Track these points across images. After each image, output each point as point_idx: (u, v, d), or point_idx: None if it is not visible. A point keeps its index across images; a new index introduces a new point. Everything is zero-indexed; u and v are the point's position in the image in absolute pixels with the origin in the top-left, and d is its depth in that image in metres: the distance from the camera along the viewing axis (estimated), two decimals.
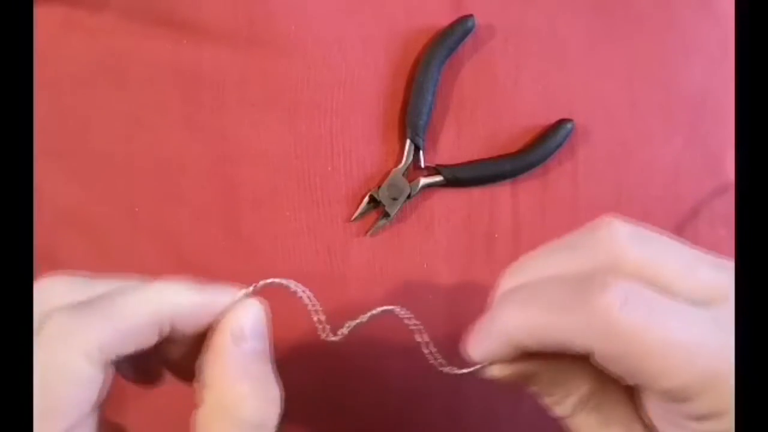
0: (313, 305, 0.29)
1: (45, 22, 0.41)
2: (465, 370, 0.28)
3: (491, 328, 0.25)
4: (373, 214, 0.41)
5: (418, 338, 0.29)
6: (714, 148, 0.43)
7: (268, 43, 0.41)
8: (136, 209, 0.41)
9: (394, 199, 0.41)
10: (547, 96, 0.42)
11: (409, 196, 0.41)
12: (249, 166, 0.41)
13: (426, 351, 0.29)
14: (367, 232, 0.41)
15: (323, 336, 0.29)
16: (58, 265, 0.41)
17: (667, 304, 0.22)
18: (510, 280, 0.26)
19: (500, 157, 0.42)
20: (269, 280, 0.28)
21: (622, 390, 0.25)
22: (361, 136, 0.42)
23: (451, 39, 0.41)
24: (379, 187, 0.41)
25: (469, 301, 0.41)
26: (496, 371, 0.26)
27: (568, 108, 0.42)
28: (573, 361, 0.24)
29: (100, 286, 0.26)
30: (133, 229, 0.41)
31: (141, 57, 0.41)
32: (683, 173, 0.43)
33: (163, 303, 0.25)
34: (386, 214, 0.41)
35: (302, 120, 0.41)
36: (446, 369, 0.29)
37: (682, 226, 0.43)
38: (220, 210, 0.41)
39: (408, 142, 0.41)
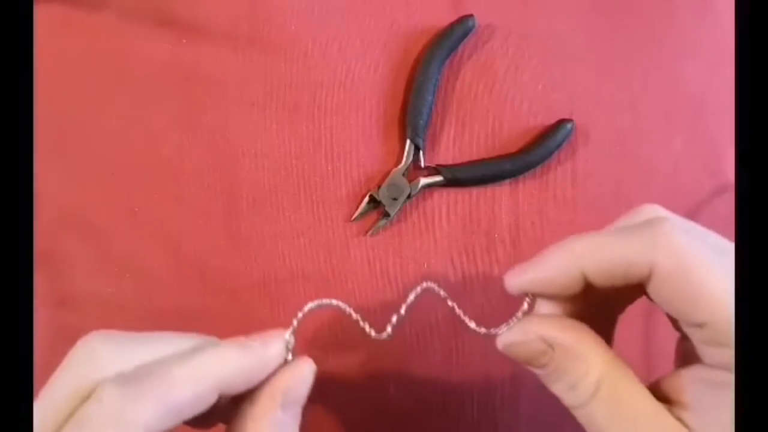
0: (350, 312, 0.29)
1: (45, 22, 0.41)
2: (503, 328, 0.27)
3: (557, 251, 0.26)
4: (373, 214, 0.41)
5: (457, 309, 0.29)
6: (714, 148, 0.43)
7: (268, 43, 0.41)
8: (136, 209, 0.41)
9: (394, 199, 0.41)
10: (547, 96, 0.42)
11: (409, 196, 0.41)
12: (249, 166, 0.41)
13: (465, 320, 0.29)
14: (367, 232, 0.41)
15: (374, 335, 0.29)
16: (58, 265, 0.41)
17: (709, 233, 0.24)
18: (552, 258, 0.27)
19: (500, 157, 0.42)
20: (308, 308, 0.28)
21: (633, 378, 0.25)
22: (361, 136, 0.42)
23: (451, 39, 0.41)
24: (379, 187, 0.41)
25: (470, 301, 0.41)
26: (545, 308, 0.27)
27: (568, 108, 0.42)
28: (589, 341, 0.26)
29: (148, 348, 0.25)
30: (133, 229, 0.41)
31: (141, 57, 0.42)
32: (683, 173, 0.43)
33: (213, 375, 0.24)
34: (386, 214, 0.41)
35: (302, 120, 0.41)
36: (486, 330, 0.28)
37: None
38: (220, 210, 0.41)
39: (408, 142, 0.41)
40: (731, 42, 0.43)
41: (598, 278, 0.25)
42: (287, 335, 0.27)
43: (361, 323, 0.28)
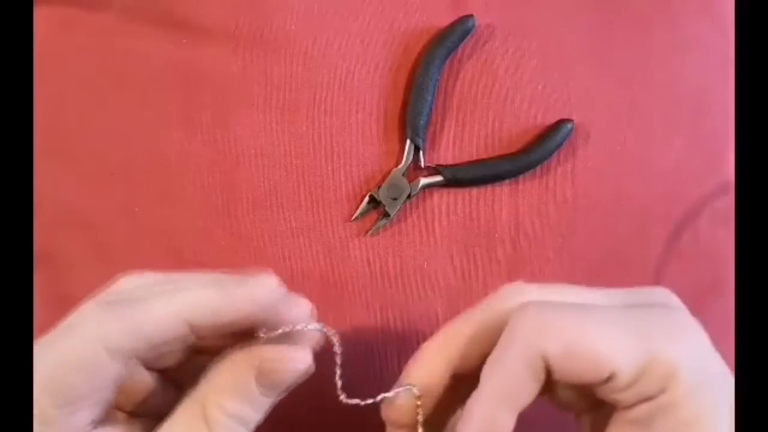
0: (339, 355, 0.28)
1: (45, 22, 0.41)
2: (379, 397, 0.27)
3: (429, 350, 0.27)
4: (373, 214, 0.41)
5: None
6: (714, 148, 0.43)
7: (268, 43, 0.41)
8: (136, 209, 0.41)
9: (394, 199, 0.41)
10: (547, 96, 0.42)
11: (409, 196, 0.41)
12: (249, 166, 0.41)
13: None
14: (367, 232, 0.41)
15: (340, 396, 0.27)
16: (58, 265, 0.41)
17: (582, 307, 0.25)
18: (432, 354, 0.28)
19: (500, 157, 0.42)
20: (302, 327, 0.27)
21: None
22: (361, 136, 0.42)
23: (451, 39, 0.41)
24: (379, 187, 0.41)
25: (470, 301, 0.41)
26: None
27: (568, 108, 0.42)
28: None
29: (165, 283, 0.27)
30: (133, 229, 0.41)
31: (141, 57, 0.41)
32: (683, 173, 0.43)
33: (180, 303, 0.25)
34: (386, 214, 0.41)
35: (302, 120, 0.41)
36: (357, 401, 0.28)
37: (682, 227, 0.43)
38: (219, 210, 0.41)
39: (408, 142, 0.41)
40: (731, 42, 0.43)
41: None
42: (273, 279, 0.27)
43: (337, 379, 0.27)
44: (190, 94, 0.41)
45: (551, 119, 0.42)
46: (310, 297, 0.29)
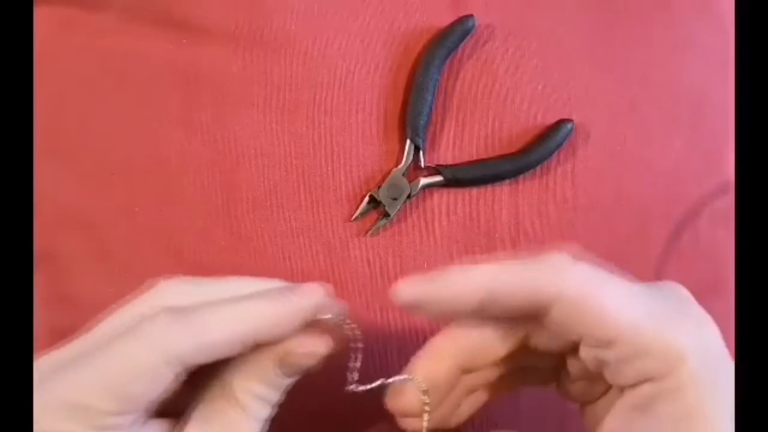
0: (355, 347, 0.29)
1: (45, 22, 0.41)
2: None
3: (458, 270, 0.26)
4: (373, 214, 0.41)
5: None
6: (714, 148, 0.43)
7: (268, 43, 0.41)
8: (136, 209, 0.41)
9: (394, 199, 0.41)
10: (547, 96, 0.42)
11: (409, 196, 0.41)
12: (249, 166, 0.41)
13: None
14: (367, 232, 0.41)
15: (350, 386, 0.29)
16: (58, 265, 0.41)
17: (606, 272, 0.25)
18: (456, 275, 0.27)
19: (500, 157, 0.42)
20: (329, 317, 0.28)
21: None
22: (361, 136, 0.42)
23: (451, 39, 0.41)
24: (379, 187, 0.41)
25: None
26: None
27: (568, 108, 0.42)
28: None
29: (208, 290, 0.28)
30: (133, 229, 0.41)
31: (141, 57, 0.41)
32: (683, 173, 0.43)
33: (246, 322, 0.26)
34: (386, 214, 0.41)
35: (302, 120, 0.41)
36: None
37: (682, 226, 0.43)
38: (219, 210, 0.41)
39: (408, 142, 0.41)
40: (731, 42, 0.43)
41: (498, 302, 0.26)
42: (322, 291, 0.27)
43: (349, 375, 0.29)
44: (190, 94, 0.41)
45: (551, 119, 0.42)
46: None
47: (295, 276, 0.41)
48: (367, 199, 0.41)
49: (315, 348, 0.27)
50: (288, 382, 0.28)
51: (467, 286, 0.26)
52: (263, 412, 0.27)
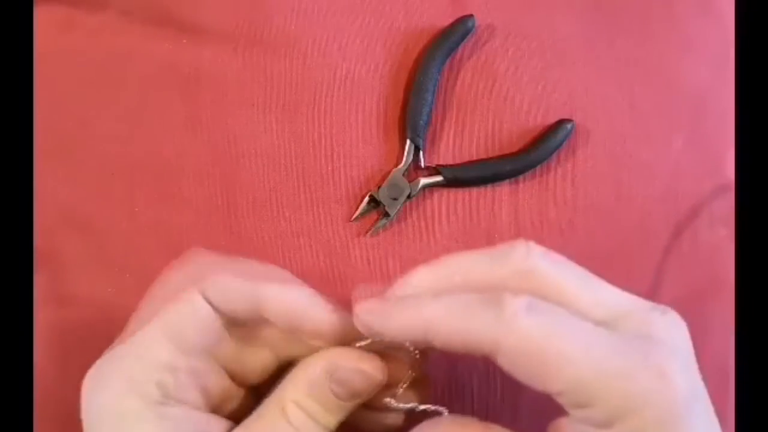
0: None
1: (45, 22, 0.41)
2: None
3: (407, 309, 0.26)
4: (373, 214, 0.41)
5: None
6: (714, 148, 0.43)
7: (268, 43, 0.41)
8: (136, 209, 0.41)
9: (394, 199, 0.41)
10: (547, 96, 0.42)
11: (409, 196, 0.41)
12: (249, 166, 0.41)
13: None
14: (367, 232, 0.41)
15: (387, 399, 0.29)
16: (58, 265, 0.41)
17: (568, 315, 0.24)
18: (424, 273, 0.27)
19: (500, 157, 0.42)
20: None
21: None
22: (361, 136, 0.42)
23: (451, 39, 0.41)
24: (379, 187, 0.41)
25: None
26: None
27: (568, 108, 0.42)
28: None
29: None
30: (133, 229, 0.41)
31: (141, 57, 0.41)
32: (683, 173, 0.43)
33: (287, 290, 0.27)
34: (386, 214, 0.41)
35: (302, 120, 0.41)
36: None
37: (682, 226, 0.43)
38: (220, 210, 0.41)
39: (408, 142, 0.41)
40: (732, 42, 0.43)
41: (441, 346, 0.25)
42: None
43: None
44: (190, 94, 0.41)
45: (551, 119, 0.42)
46: None
47: (295, 276, 0.41)
48: (367, 199, 0.41)
49: (362, 365, 0.27)
50: (344, 406, 0.27)
51: (407, 322, 0.25)
52: (311, 429, 0.27)
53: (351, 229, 0.41)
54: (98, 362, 0.27)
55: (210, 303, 0.27)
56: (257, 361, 0.29)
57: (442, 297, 0.25)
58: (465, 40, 0.42)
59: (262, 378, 0.30)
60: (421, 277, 0.27)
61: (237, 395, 0.29)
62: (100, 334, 0.41)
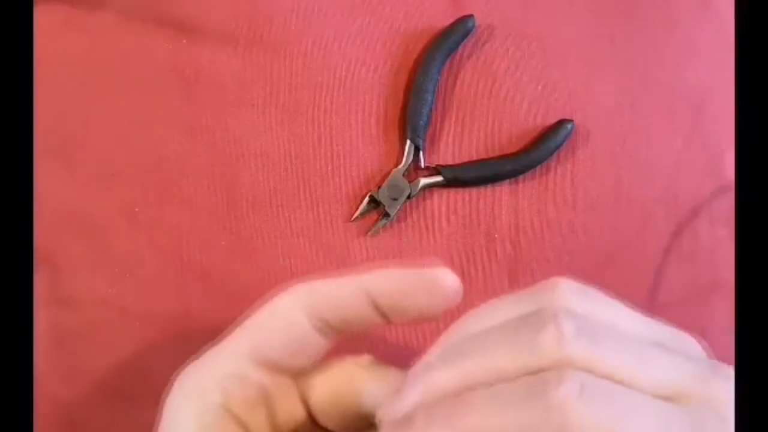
0: None
1: (45, 22, 0.41)
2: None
3: (446, 418, 0.20)
4: (373, 215, 0.41)
5: None
6: (714, 148, 0.43)
7: (269, 44, 0.41)
8: (136, 209, 0.41)
9: (394, 199, 0.41)
10: (547, 96, 0.42)
11: (409, 197, 0.41)
12: (249, 166, 0.41)
13: None
14: (367, 232, 0.41)
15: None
16: (58, 266, 0.41)
17: (627, 394, 0.19)
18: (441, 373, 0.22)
19: (500, 157, 0.42)
20: None
21: None
22: (361, 136, 0.42)
23: (451, 39, 0.41)
24: (379, 187, 0.41)
25: (470, 301, 0.41)
26: None
27: (568, 108, 0.42)
28: None
29: None
30: (133, 229, 0.41)
31: (141, 57, 0.41)
32: (683, 173, 0.43)
33: (369, 285, 0.26)
34: (386, 215, 0.41)
35: (302, 120, 0.41)
36: None
37: (682, 226, 0.43)
38: (220, 210, 0.41)
39: (408, 142, 0.41)
40: (731, 42, 0.43)
41: None
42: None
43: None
44: (190, 94, 0.41)
45: (551, 119, 0.42)
46: None
47: (295, 276, 0.41)
48: (367, 199, 0.41)
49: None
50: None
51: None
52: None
53: (351, 229, 0.41)
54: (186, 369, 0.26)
55: (307, 314, 0.25)
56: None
57: (478, 405, 0.20)
58: (465, 40, 0.42)
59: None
60: (440, 378, 0.21)
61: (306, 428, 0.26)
62: (100, 334, 0.41)
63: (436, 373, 0.21)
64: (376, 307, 0.26)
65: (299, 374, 0.26)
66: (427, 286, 0.26)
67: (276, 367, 0.25)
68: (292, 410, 0.26)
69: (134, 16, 0.42)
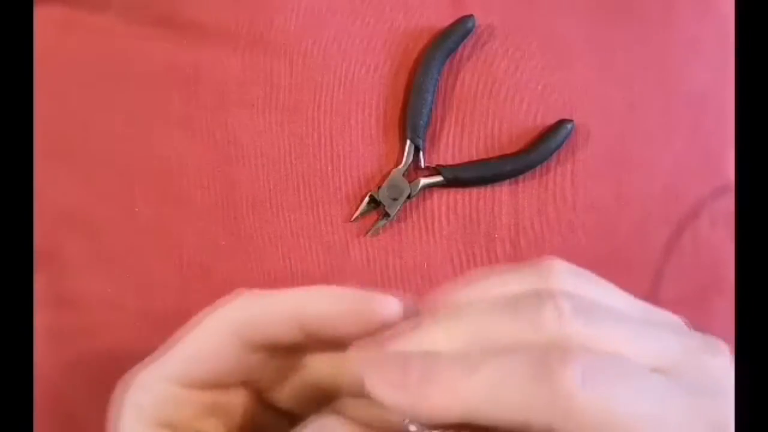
0: None
1: (45, 22, 0.41)
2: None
3: (444, 393, 0.20)
4: (373, 215, 0.41)
5: None
6: (714, 148, 0.43)
7: (269, 44, 0.41)
8: (136, 209, 0.41)
9: (394, 199, 0.41)
10: (547, 96, 0.42)
11: (409, 197, 0.41)
12: (249, 166, 0.41)
13: None
14: (367, 232, 0.41)
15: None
16: (58, 265, 0.41)
17: (626, 370, 0.20)
18: (436, 331, 0.22)
19: (500, 157, 0.42)
20: None
21: None
22: (361, 136, 0.42)
23: (451, 39, 0.41)
24: (379, 187, 0.41)
25: None
26: None
27: (568, 108, 0.42)
28: None
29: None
30: (133, 229, 0.41)
31: (141, 57, 0.41)
32: (683, 173, 0.43)
33: (301, 305, 0.24)
34: (386, 214, 0.41)
35: (302, 120, 0.41)
36: None
37: (682, 226, 0.43)
38: (220, 210, 0.41)
39: (408, 142, 0.41)
40: (732, 42, 0.43)
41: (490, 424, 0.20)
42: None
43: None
44: (190, 94, 0.41)
45: (551, 119, 0.42)
46: None
47: (295, 276, 0.41)
48: (367, 199, 0.41)
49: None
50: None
51: (442, 403, 0.20)
52: None
53: (351, 229, 0.41)
54: (125, 377, 0.26)
55: (237, 336, 0.25)
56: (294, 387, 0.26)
57: (480, 370, 0.20)
58: (465, 40, 0.42)
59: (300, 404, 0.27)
60: (435, 337, 0.22)
61: (270, 422, 0.27)
62: (100, 334, 0.41)
63: (431, 332, 0.21)
64: (305, 331, 0.24)
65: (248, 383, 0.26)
66: (362, 312, 0.24)
67: (212, 385, 0.25)
68: (249, 410, 0.26)
69: (134, 16, 0.42)
